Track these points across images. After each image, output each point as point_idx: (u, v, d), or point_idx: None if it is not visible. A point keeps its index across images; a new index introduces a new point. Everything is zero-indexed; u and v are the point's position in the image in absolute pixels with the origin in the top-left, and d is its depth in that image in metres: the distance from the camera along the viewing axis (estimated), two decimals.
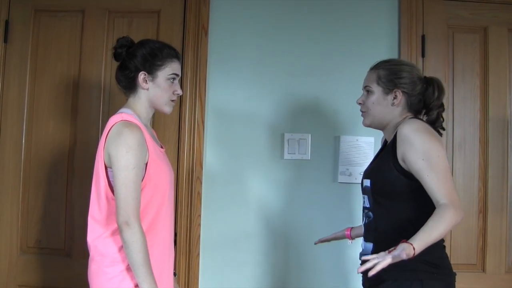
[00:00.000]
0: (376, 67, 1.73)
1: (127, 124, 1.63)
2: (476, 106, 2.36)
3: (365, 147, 2.31)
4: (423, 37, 2.34)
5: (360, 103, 1.74)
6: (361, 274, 1.70)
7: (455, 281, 1.63)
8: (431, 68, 2.32)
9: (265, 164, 2.34)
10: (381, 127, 1.73)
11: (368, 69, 2.28)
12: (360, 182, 1.85)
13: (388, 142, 1.68)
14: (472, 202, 2.33)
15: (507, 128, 2.36)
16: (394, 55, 2.33)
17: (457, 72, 2.37)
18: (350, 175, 2.29)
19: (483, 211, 2.33)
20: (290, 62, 2.36)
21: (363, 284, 1.76)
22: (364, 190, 1.72)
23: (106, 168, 1.64)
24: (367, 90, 1.72)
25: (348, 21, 2.37)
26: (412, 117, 1.66)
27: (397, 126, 1.62)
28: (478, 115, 2.36)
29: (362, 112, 1.75)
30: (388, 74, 1.67)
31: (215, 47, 2.37)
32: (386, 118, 1.68)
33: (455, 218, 1.44)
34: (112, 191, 1.63)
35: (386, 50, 2.34)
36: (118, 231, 1.57)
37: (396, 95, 1.65)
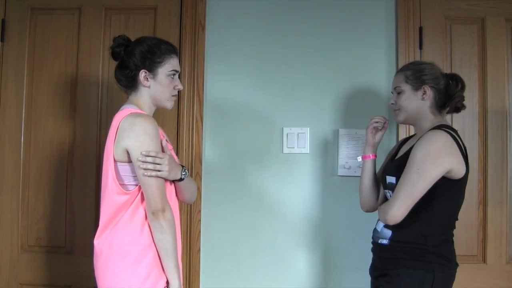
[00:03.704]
0: (401, 70, 1.90)
1: (139, 114, 1.66)
2: (474, 98, 2.36)
3: (364, 140, 2.30)
4: (420, 29, 2.34)
5: (392, 103, 1.90)
6: (372, 254, 1.88)
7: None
8: (429, 60, 2.30)
9: (264, 159, 2.34)
10: (413, 122, 1.88)
11: (366, 61, 2.35)
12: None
13: (416, 141, 1.77)
14: (472, 194, 2.32)
15: (506, 119, 2.35)
16: (392, 48, 2.33)
17: (455, 64, 2.36)
18: (349, 168, 2.28)
19: (483, 203, 2.32)
20: (288, 55, 2.35)
21: (372, 271, 1.88)
22: (388, 186, 1.82)
23: (115, 162, 1.65)
24: (398, 91, 1.87)
25: (345, 14, 2.36)
26: (442, 126, 1.76)
27: (429, 127, 1.78)
28: (476, 107, 2.35)
29: (395, 110, 1.90)
30: (414, 72, 1.83)
31: (213, 42, 2.37)
32: (418, 113, 1.83)
33: (383, 217, 1.70)
34: (121, 185, 1.64)
35: (383, 43, 2.34)
36: (149, 219, 1.60)
37: (425, 91, 1.80)
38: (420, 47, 2.33)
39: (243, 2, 2.37)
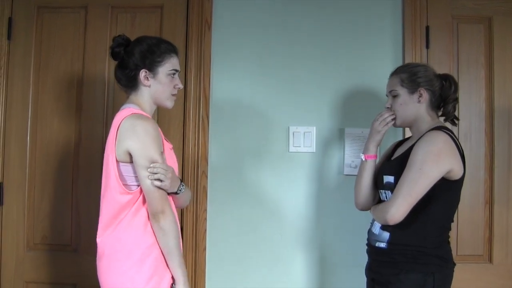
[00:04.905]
0: (396, 72, 1.87)
1: (140, 115, 1.65)
2: (481, 97, 2.35)
3: None
4: (427, 28, 2.33)
5: (388, 107, 1.87)
6: (367, 256, 1.88)
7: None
8: (436, 59, 2.31)
9: (270, 158, 2.34)
10: (410, 125, 1.86)
11: (373, 60, 2.35)
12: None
13: (415, 142, 1.76)
14: (478, 193, 2.32)
15: None
16: (399, 47, 2.33)
17: (462, 63, 2.35)
18: (355, 167, 2.28)
19: (490, 202, 2.31)
20: (294, 53, 2.35)
21: (368, 273, 1.88)
22: (385, 186, 1.81)
23: (117, 163, 1.65)
24: (393, 95, 1.85)
25: (352, 13, 2.35)
26: (441, 127, 1.75)
27: (426, 128, 1.77)
28: (483, 106, 2.35)
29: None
30: (409, 75, 1.81)
31: (219, 41, 2.37)
32: (415, 116, 1.82)
33: (383, 216, 1.69)
34: (124, 185, 1.64)
35: (390, 42, 2.34)
36: (151, 221, 1.61)
37: (421, 93, 1.79)
38: (427, 46, 2.33)
39: (250, 0, 2.37)
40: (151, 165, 1.59)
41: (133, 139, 1.61)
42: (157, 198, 1.61)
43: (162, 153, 1.66)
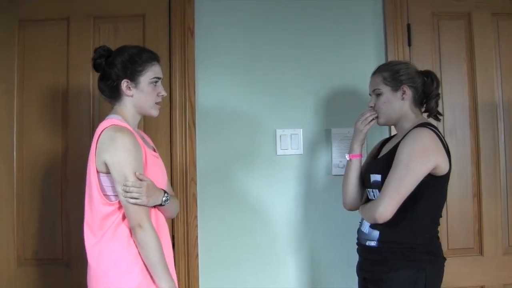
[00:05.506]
0: (378, 71, 1.88)
1: (119, 128, 1.64)
2: (464, 92, 2.37)
3: None
4: (408, 26, 2.35)
5: (371, 106, 1.87)
6: (358, 255, 1.88)
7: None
8: (419, 56, 2.33)
9: (258, 161, 2.34)
10: (394, 122, 1.87)
11: (356, 60, 2.36)
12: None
13: (400, 139, 1.77)
14: (467, 187, 2.34)
15: (496, 111, 2.37)
16: (381, 46, 2.35)
17: (444, 59, 2.38)
18: (343, 167, 2.29)
19: (478, 195, 2.34)
20: (278, 57, 2.36)
21: (359, 272, 1.88)
22: (372, 185, 1.81)
23: (98, 173, 1.64)
24: (376, 93, 1.85)
25: (333, 14, 2.37)
26: (425, 124, 1.76)
27: (410, 126, 1.78)
28: (467, 100, 2.37)
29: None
30: (392, 73, 1.82)
31: (202, 47, 2.37)
32: (399, 113, 1.83)
33: (372, 215, 1.69)
34: (104, 196, 1.64)
35: (372, 42, 2.36)
36: (132, 233, 1.60)
37: (404, 90, 1.80)
38: (409, 44, 2.35)
39: (232, 5, 2.37)
40: (123, 184, 1.59)
41: (110, 152, 1.60)
42: (133, 212, 1.59)
43: (142, 165, 1.64)
